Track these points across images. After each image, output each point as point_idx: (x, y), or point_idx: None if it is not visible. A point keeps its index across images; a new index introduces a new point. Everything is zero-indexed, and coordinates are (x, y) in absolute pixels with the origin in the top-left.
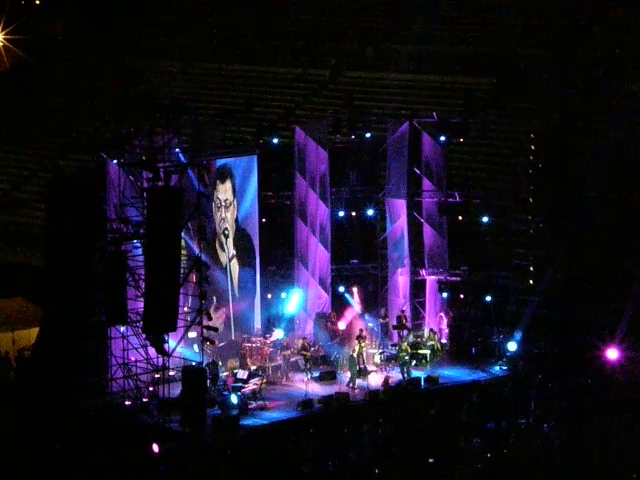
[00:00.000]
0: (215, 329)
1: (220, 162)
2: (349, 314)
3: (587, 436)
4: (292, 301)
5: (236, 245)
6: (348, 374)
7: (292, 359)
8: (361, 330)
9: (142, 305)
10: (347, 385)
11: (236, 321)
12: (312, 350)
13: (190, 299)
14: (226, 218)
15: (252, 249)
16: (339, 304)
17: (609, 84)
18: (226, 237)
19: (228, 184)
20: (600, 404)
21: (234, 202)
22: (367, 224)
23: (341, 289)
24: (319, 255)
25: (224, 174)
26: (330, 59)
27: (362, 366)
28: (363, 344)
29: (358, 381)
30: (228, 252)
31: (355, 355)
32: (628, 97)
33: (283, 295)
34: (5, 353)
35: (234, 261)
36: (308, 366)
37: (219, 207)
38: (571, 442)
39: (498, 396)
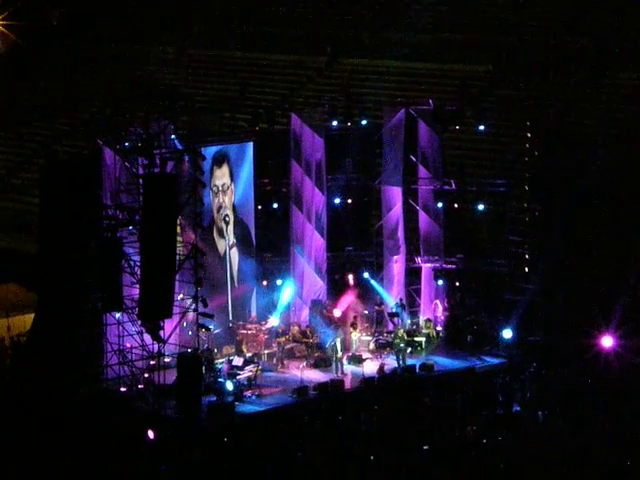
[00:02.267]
0: (210, 316)
1: (214, 149)
2: (344, 301)
3: (581, 423)
4: (285, 293)
5: (234, 233)
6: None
7: (287, 346)
8: (355, 317)
9: (137, 292)
10: (335, 374)
11: (233, 308)
12: (314, 337)
13: (186, 286)
14: (225, 203)
15: (248, 236)
16: (335, 291)
17: (605, 72)
18: (227, 224)
19: (225, 168)
20: (594, 392)
21: (232, 186)
22: (363, 211)
23: (336, 276)
24: (315, 242)
25: (220, 159)
26: (326, 46)
27: (357, 354)
28: (355, 331)
29: (352, 368)
30: (228, 240)
31: (338, 343)
32: (624, 85)
33: (279, 282)
34: (0, 339)
35: (234, 249)
36: (308, 353)
37: (217, 193)
38: (565, 430)
39: (493, 384)
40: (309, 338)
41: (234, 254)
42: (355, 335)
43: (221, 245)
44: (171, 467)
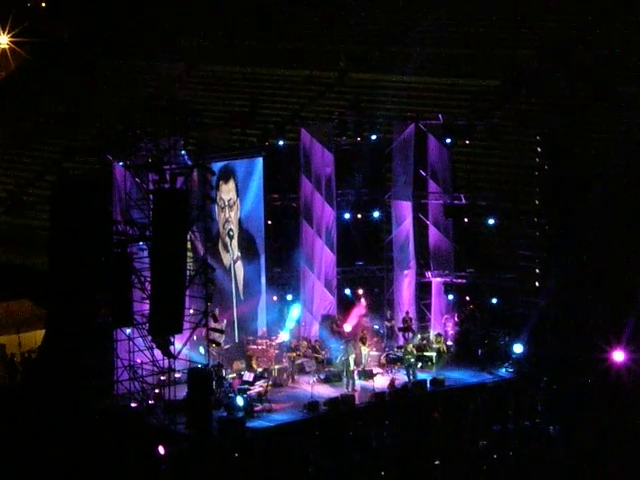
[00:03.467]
0: (221, 331)
1: (221, 164)
2: (355, 316)
3: (592, 438)
4: (293, 313)
5: (240, 246)
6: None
7: (298, 361)
8: (363, 332)
9: (148, 307)
10: (346, 389)
11: (240, 323)
12: (323, 353)
13: (196, 301)
14: (230, 218)
15: (256, 250)
16: (345, 306)
17: (614, 86)
18: (231, 238)
19: (231, 184)
20: (606, 406)
21: (237, 202)
22: (373, 226)
23: (347, 291)
24: (325, 257)
25: (227, 174)
26: (337, 61)
27: (367, 369)
28: (364, 346)
29: (363, 383)
30: (233, 254)
31: (351, 359)
32: (632, 99)
33: (289, 297)
34: (11, 355)
35: (239, 263)
36: (318, 368)
37: (223, 208)
38: (576, 444)
39: (504, 398)
40: (319, 353)
41: (239, 268)
42: (364, 350)
43: (226, 259)
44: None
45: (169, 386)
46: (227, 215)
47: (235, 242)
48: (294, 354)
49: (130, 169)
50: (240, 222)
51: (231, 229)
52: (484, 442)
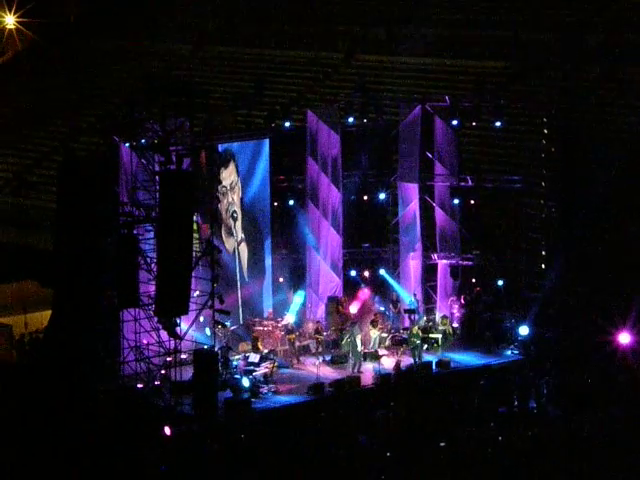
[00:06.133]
0: (227, 312)
1: (222, 147)
2: (360, 298)
3: (598, 420)
4: (295, 301)
5: (244, 228)
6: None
7: (304, 342)
8: (376, 315)
9: (154, 288)
10: (352, 370)
11: (246, 305)
12: (325, 334)
13: (202, 282)
14: (233, 201)
15: (260, 232)
16: (351, 288)
17: (621, 68)
18: (235, 220)
19: (231, 167)
20: (611, 388)
21: (239, 183)
22: (379, 208)
23: (353, 273)
24: (331, 239)
25: (226, 158)
26: (343, 42)
27: (373, 350)
28: (375, 329)
29: (370, 365)
30: (237, 236)
31: (358, 340)
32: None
33: (295, 279)
34: (20, 336)
35: (242, 245)
36: (320, 350)
37: (225, 193)
38: (581, 426)
39: (510, 380)
40: (320, 334)
41: (243, 250)
42: (374, 333)
43: (230, 243)
44: (187, 463)
45: (175, 367)
46: (230, 199)
47: (239, 224)
48: (292, 336)
49: (136, 150)
50: (244, 204)
51: (235, 211)
52: (490, 424)
